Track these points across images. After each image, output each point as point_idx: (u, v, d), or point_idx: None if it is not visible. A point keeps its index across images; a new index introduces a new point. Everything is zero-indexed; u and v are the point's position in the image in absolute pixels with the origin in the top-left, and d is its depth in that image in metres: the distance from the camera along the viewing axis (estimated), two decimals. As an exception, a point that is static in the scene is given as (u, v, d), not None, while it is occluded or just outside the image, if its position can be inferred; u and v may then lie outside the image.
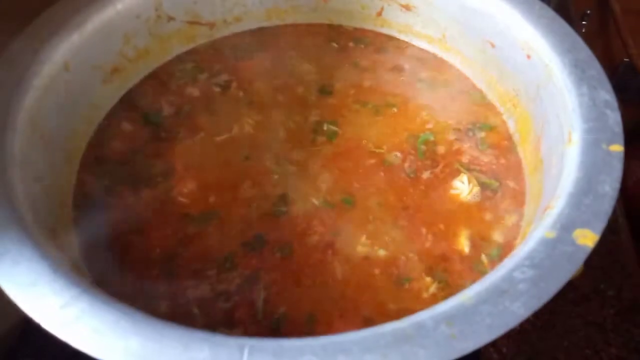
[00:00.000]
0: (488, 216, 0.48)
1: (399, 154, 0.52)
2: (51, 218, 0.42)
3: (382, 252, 0.45)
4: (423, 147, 0.53)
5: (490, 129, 0.55)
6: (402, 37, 0.65)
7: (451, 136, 0.54)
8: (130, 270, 0.44)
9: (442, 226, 0.47)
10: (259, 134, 0.54)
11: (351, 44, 0.64)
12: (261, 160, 0.51)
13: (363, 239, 0.46)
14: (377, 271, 0.44)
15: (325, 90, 0.58)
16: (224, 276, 0.43)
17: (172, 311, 0.41)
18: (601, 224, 0.36)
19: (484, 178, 0.51)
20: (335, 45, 0.64)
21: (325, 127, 0.54)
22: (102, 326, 0.31)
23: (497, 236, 0.47)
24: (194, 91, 0.58)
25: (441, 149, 0.53)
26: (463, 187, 0.49)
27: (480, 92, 0.59)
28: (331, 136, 0.54)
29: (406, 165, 0.51)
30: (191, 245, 0.45)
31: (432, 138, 0.53)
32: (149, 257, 0.44)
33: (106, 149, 0.52)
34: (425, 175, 0.51)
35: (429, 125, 0.55)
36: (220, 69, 0.60)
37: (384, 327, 0.31)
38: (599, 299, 0.57)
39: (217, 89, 0.58)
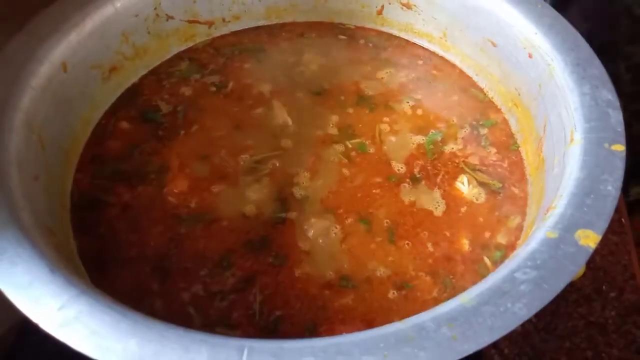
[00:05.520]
0: (491, 217, 0.48)
1: (404, 164, 0.51)
2: (48, 218, 0.42)
3: (387, 257, 0.45)
4: (431, 147, 0.52)
5: (492, 126, 0.55)
6: (402, 35, 0.65)
7: (455, 135, 0.54)
8: (125, 268, 0.43)
9: (447, 232, 0.47)
10: (258, 134, 0.53)
11: (351, 43, 0.64)
12: (259, 160, 0.51)
13: (368, 252, 0.45)
14: (379, 277, 0.44)
15: (324, 90, 0.58)
16: (218, 278, 0.43)
17: (168, 310, 0.41)
18: (603, 224, 0.36)
19: (486, 178, 0.50)
20: (335, 42, 0.63)
21: (327, 129, 0.54)
22: (101, 328, 0.30)
23: (500, 237, 0.46)
24: (192, 90, 0.57)
25: (447, 149, 0.52)
26: (464, 188, 0.49)
27: (482, 90, 0.59)
28: (334, 137, 0.53)
29: (412, 169, 0.51)
30: (185, 244, 0.45)
31: (439, 138, 0.53)
32: (144, 255, 0.44)
33: (103, 147, 0.52)
34: (432, 178, 0.50)
35: (434, 125, 0.55)
36: (220, 68, 0.60)
37: (384, 328, 0.31)
38: (601, 300, 0.57)
39: (215, 88, 0.58)
